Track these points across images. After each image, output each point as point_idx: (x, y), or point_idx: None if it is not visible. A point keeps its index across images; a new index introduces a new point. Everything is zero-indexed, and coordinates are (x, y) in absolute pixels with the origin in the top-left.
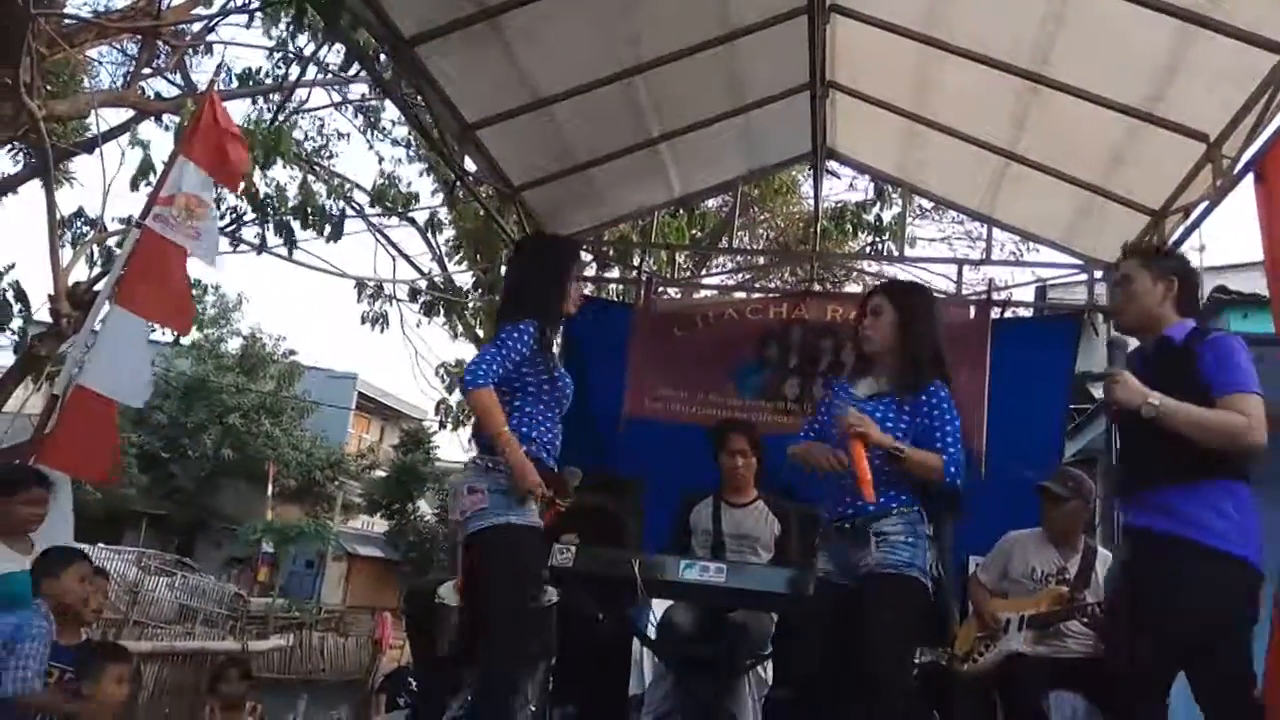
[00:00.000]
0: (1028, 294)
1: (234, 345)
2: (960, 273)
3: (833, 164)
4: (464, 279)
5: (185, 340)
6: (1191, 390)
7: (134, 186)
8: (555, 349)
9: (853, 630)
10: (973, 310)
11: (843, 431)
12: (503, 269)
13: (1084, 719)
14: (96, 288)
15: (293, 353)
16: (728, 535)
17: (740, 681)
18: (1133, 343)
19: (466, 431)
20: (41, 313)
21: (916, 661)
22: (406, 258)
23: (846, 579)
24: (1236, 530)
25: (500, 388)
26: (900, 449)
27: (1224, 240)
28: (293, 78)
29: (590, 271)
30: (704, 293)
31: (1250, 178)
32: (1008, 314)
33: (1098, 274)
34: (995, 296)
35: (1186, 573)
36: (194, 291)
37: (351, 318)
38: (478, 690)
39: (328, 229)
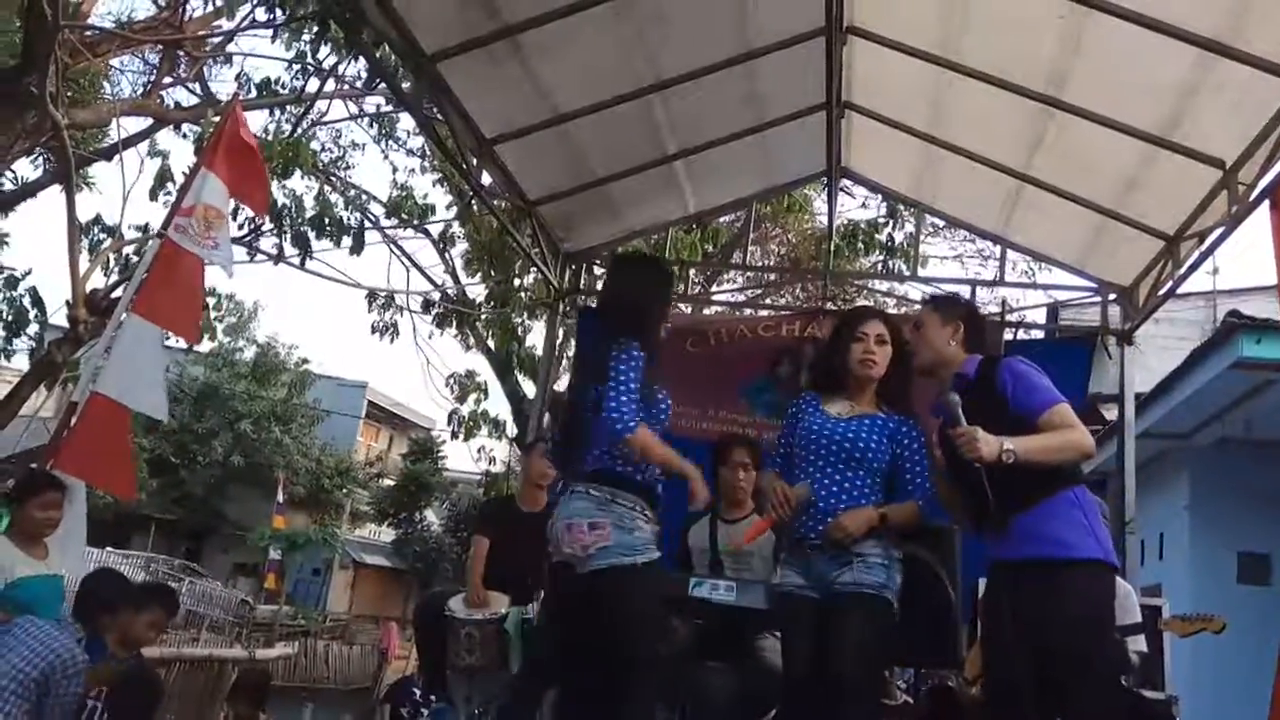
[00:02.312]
0: (1040, 314)
1: (249, 353)
2: (973, 293)
3: (846, 183)
4: (477, 291)
5: (202, 348)
6: (997, 414)
7: (153, 196)
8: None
9: (822, 642)
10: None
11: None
12: (516, 281)
13: None
14: (115, 295)
15: (305, 361)
16: (724, 552)
17: None
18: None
19: (477, 442)
20: (57, 318)
21: (927, 685)
22: (420, 269)
23: (817, 594)
24: (1091, 535)
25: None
26: (883, 518)
27: (1237, 264)
28: (312, 90)
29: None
30: (716, 309)
31: (1265, 204)
32: (1020, 335)
33: (1111, 296)
34: (1009, 318)
35: (1065, 589)
36: (212, 301)
37: (363, 327)
38: None
39: (348, 241)
